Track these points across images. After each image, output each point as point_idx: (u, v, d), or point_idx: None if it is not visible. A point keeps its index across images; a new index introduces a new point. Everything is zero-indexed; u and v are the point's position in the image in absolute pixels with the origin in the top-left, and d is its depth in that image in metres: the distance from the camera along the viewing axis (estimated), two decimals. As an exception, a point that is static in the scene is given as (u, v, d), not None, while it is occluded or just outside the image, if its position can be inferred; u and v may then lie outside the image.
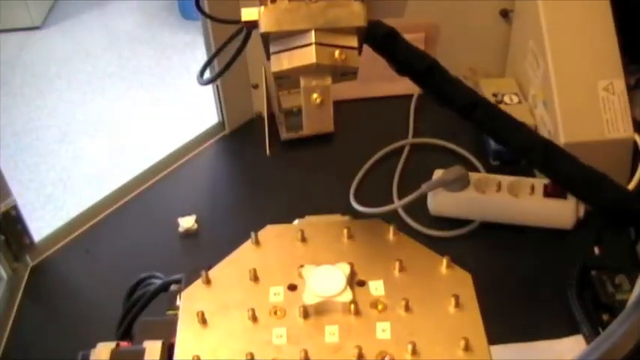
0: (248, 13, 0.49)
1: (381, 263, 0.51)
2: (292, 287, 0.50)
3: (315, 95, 0.47)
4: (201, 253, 0.78)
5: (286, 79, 0.48)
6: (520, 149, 0.43)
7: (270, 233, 0.54)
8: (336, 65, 0.46)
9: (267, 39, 0.47)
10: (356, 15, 0.46)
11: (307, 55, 0.46)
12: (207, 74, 0.63)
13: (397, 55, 0.51)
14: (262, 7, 0.47)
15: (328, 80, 0.47)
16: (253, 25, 0.48)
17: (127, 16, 2.63)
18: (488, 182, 0.78)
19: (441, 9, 0.92)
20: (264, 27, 0.47)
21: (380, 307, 0.48)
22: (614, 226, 0.74)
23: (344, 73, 0.48)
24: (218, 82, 0.91)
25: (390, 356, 0.45)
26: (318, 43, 0.46)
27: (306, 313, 0.48)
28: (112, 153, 1.98)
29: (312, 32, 0.46)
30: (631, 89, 0.81)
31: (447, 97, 0.44)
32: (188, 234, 0.80)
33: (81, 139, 2.06)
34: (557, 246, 0.76)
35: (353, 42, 0.47)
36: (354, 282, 0.50)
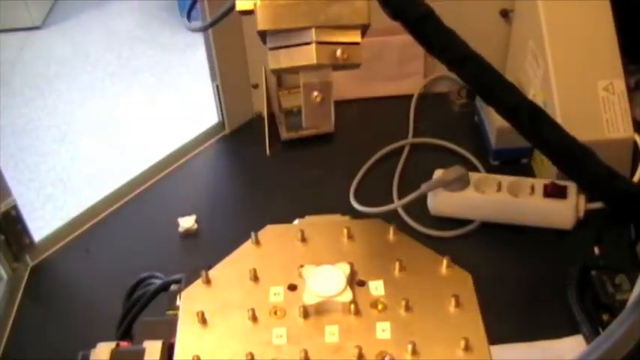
0: (242, 3, 0.46)
1: (381, 263, 0.51)
2: (292, 287, 0.50)
3: (315, 94, 0.46)
4: (201, 253, 0.78)
5: (285, 73, 0.47)
6: (508, 109, 0.41)
7: (270, 233, 0.54)
8: (338, 64, 0.45)
9: (264, 34, 0.46)
10: (359, 13, 0.45)
11: (307, 55, 0.44)
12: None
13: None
14: (258, 0, 0.44)
15: (329, 76, 0.46)
16: (249, 13, 0.46)
17: (127, 16, 2.63)
18: (488, 182, 0.78)
19: (441, 9, 0.91)
20: (260, 24, 0.45)
21: (380, 307, 0.48)
22: (611, 223, 0.74)
23: (346, 67, 0.46)
24: (218, 82, 0.91)
25: (390, 356, 0.45)
26: (318, 42, 0.44)
27: (306, 313, 0.48)
28: (112, 153, 1.97)
29: (313, 30, 0.44)
30: (631, 90, 0.81)
31: (438, 47, 0.42)
32: (188, 234, 0.80)
33: (81, 139, 2.06)
34: (557, 246, 0.76)
35: (356, 37, 0.45)
36: (354, 282, 0.50)
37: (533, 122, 0.41)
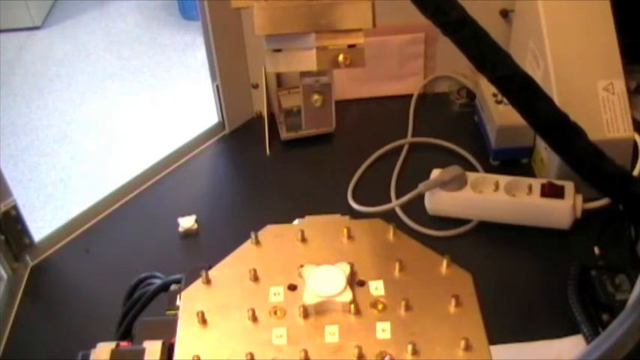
0: (239, 3, 0.44)
1: (381, 263, 0.51)
2: (292, 287, 0.50)
3: (315, 97, 0.46)
4: (201, 253, 0.78)
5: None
6: (500, 78, 0.41)
7: (270, 233, 0.54)
8: (340, 67, 0.44)
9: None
10: (362, 16, 0.43)
11: (307, 61, 0.43)
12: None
13: None
14: (256, 2, 0.42)
15: (330, 78, 0.45)
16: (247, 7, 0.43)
17: (127, 17, 2.63)
18: (485, 182, 0.78)
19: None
20: (258, 29, 0.43)
21: (380, 307, 0.48)
22: (611, 223, 0.74)
23: (349, 67, 0.44)
24: (218, 82, 0.91)
25: (390, 356, 0.45)
26: (319, 48, 0.42)
27: (306, 313, 0.48)
28: (112, 153, 1.97)
29: (313, 35, 0.42)
30: (631, 93, 0.81)
31: (435, 9, 0.41)
32: (188, 234, 0.80)
33: (81, 139, 2.06)
34: (557, 246, 0.76)
35: (358, 39, 0.43)
36: (354, 282, 0.50)
37: (524, 93, 0.40)
